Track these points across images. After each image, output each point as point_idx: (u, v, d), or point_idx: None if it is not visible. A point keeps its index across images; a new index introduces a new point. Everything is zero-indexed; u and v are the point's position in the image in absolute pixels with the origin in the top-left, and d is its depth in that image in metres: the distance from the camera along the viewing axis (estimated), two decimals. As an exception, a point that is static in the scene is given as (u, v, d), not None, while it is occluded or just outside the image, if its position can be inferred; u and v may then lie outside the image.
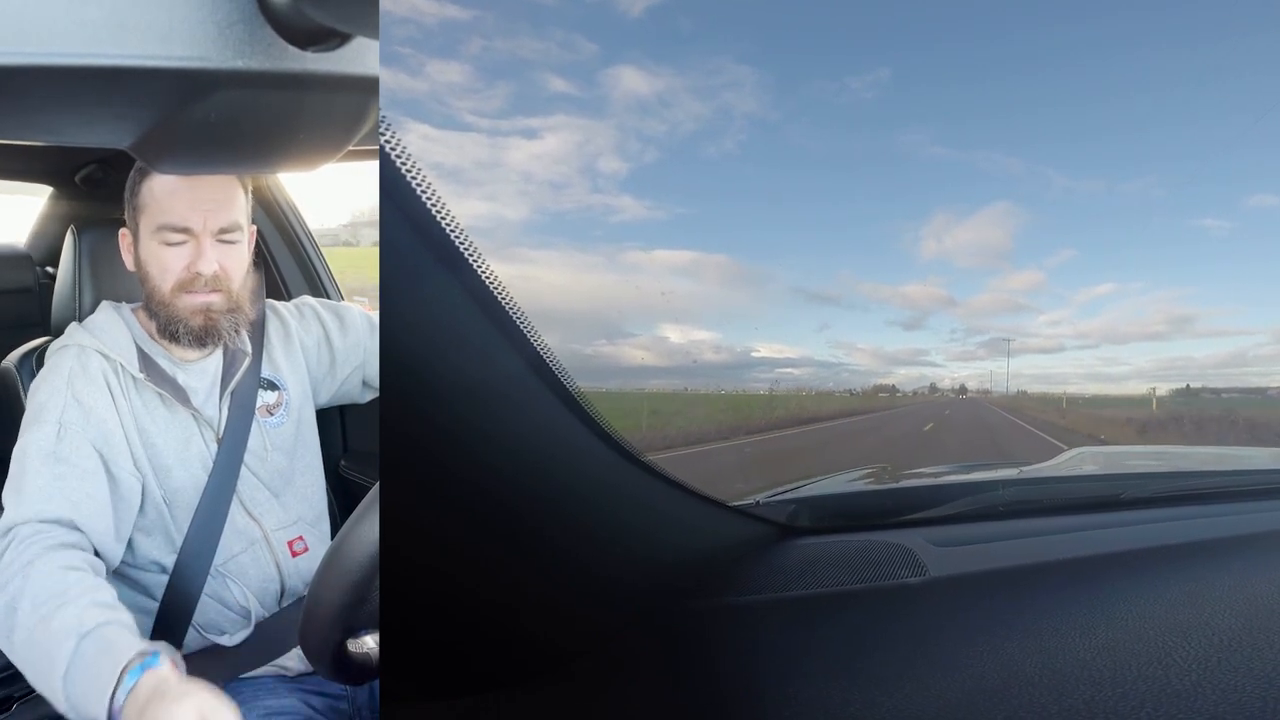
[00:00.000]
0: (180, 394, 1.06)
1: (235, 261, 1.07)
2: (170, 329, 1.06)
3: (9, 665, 0.95)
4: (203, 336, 1.06)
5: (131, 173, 1.06)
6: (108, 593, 0.88)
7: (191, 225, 1.03)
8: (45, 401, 0.99)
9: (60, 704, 0.80)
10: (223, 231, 1.05)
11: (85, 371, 1.01)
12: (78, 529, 0.93)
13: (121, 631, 0.82)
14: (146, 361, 1.06)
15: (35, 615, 0.83)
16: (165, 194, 1.03)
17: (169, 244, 1.03)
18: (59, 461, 0.95)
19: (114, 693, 0.77)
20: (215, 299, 1.05)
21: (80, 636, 0.80)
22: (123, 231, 1.09)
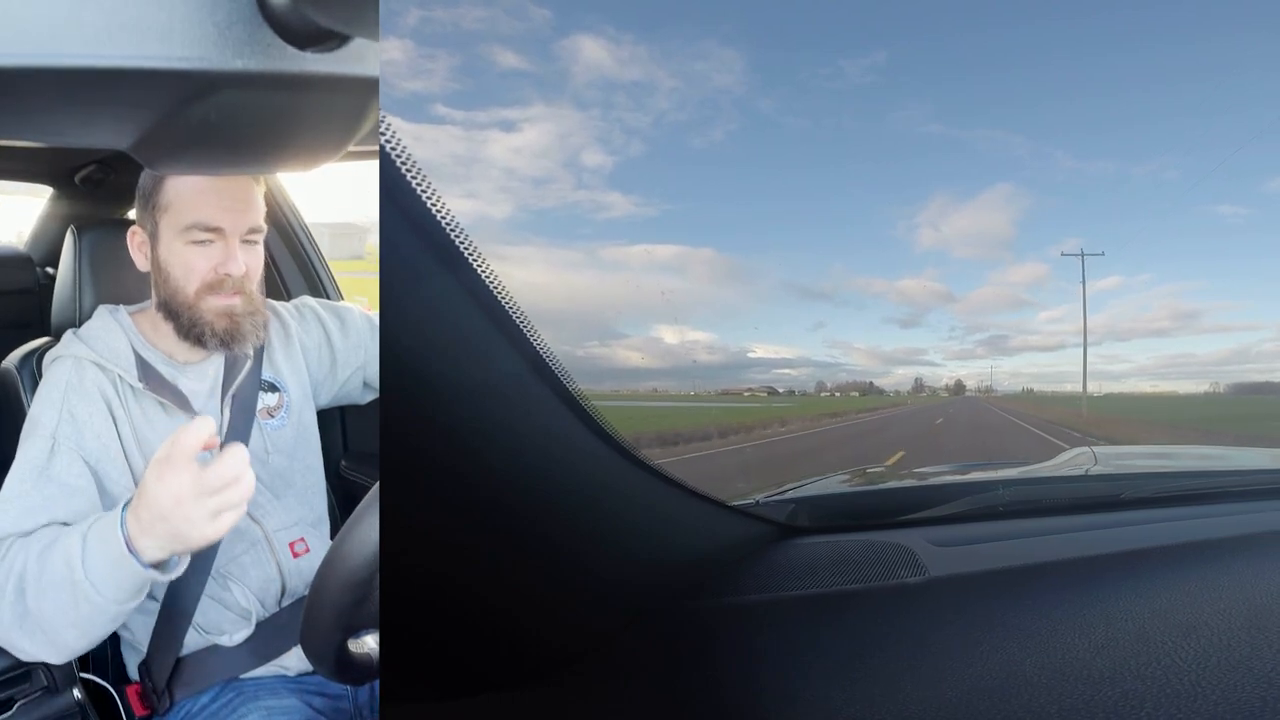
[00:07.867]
0: (180, 399, 1.06)
1: (257, 263, 1.07)
2: (195, 332, 1.04)
3: (11, 667, 0.95)
4: (228, 339, 1.05)
5: (145, 172, 1.05)
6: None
7: (223, 225, 1.02)
8: (39, 416, 0.99)
9: (92, 597, 0.82)
10: (250, 232, 1.04)
11: (81, 385, 1.01)
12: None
13: (118, 511, 0.85)
14: (145, 368, 1.05)
15: (40, 561, 0.85)
16: (194, 193, 1.01)
17: (197, 243, 1.02)
18: (49, 481, 0.95)
19: (120, 528, 0.81)
20: (237, 301, 1.04)
21: (83, 536, 0.84)
22: (133, 230, 1.08)
